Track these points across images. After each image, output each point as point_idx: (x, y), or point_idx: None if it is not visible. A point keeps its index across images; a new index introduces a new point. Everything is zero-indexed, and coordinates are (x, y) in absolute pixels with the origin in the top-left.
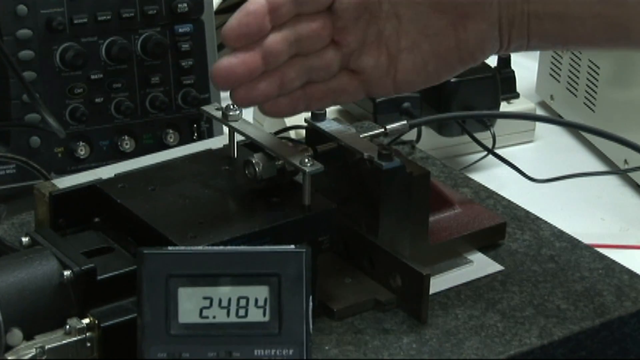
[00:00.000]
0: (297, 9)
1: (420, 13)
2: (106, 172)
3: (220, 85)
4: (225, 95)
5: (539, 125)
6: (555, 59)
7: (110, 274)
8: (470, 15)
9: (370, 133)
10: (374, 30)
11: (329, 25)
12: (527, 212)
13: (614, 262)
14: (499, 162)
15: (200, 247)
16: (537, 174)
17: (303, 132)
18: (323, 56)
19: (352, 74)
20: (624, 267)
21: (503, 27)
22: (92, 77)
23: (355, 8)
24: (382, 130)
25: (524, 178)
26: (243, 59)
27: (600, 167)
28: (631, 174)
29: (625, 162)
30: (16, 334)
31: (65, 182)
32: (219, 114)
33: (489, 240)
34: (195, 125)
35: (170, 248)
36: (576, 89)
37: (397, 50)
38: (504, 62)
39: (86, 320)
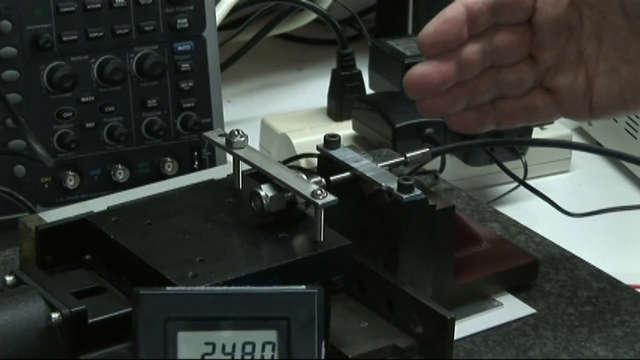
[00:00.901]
0: (495, 19)
1: (622, 37)
2: (98, 204)
3: (412, 94)
4: (228, 120)
5: (576, 153)
6: None
7: (103, 317)
8: None
9: (389, 162)
10: (573, 49)
11: (527, 38)
12: (562, 250)
13: None
14: (531, 194)
15: (201, 288)
16: (574, 207)
17: (315, 160)
18: (517, 70)
19: (545, 93)
20: None
21: None
22: (83, 99)
23: (555, 23)
24: (402, 158)
25: (558, 212)
26: (439, 68)
27: None
28: None
29: None
30: None
31: (52, 215)
32: (222, 140)
33: (519, 280)
34: (196, 153)
35: (168, 288)
36: None
37: (595, 73)
38: None
39: None
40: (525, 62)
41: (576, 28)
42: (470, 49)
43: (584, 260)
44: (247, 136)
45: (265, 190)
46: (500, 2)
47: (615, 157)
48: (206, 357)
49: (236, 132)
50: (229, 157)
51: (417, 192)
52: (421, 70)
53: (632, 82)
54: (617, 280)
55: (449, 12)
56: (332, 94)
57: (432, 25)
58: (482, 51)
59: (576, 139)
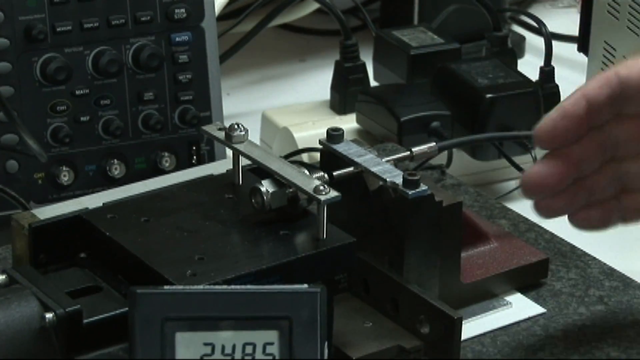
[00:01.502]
0: (616, 110)
1: None
2: (93, 201)
3: (528, 195)
4: (228, 114)
5: None
6: None
7: (98, 317)
8: None
9: (394, 157)
10: None
11: None
12: (573, 247)
13: None
14: None
15: (200, 287)
16: None
17: (317, 155)
18: (639, 162)
19: None
20: None
21: None
22: (77, 92)
23: None
24: (408, 153)
25: None
26: (556, 169)
27: None
28: None
29: None
30: None
31: (46, 212)
32: (221, 134)
33: (529, 279)
34: (194, 148)
35: (166, 287)
36: None
37: None
38: (548, 75)
39: None
40: None
41: None
42: (589, 143)
43: (595, 258)
44: (247, 130)
45: (266, 186)
46: (623, 94)
47: None
48: (205, 358)
49: (236, 126)
50: (229, 152)
51: (423, 187)
52: (537, 171)
53: None
54: (630, 279)
55: (569, 106)
56: (335, 86)
57: (551, 121)
58: (601, 145)
59: None
